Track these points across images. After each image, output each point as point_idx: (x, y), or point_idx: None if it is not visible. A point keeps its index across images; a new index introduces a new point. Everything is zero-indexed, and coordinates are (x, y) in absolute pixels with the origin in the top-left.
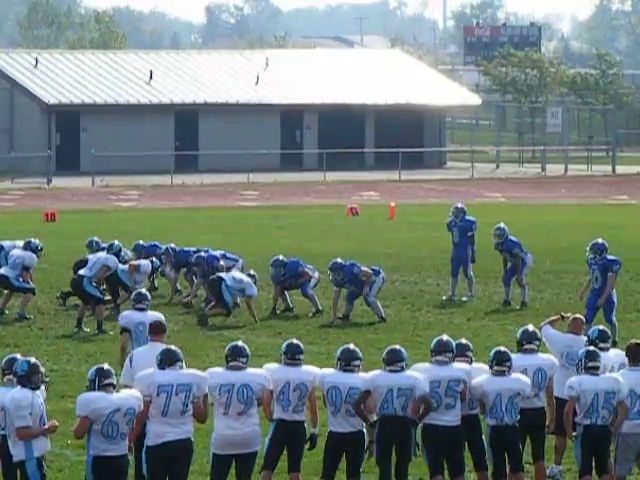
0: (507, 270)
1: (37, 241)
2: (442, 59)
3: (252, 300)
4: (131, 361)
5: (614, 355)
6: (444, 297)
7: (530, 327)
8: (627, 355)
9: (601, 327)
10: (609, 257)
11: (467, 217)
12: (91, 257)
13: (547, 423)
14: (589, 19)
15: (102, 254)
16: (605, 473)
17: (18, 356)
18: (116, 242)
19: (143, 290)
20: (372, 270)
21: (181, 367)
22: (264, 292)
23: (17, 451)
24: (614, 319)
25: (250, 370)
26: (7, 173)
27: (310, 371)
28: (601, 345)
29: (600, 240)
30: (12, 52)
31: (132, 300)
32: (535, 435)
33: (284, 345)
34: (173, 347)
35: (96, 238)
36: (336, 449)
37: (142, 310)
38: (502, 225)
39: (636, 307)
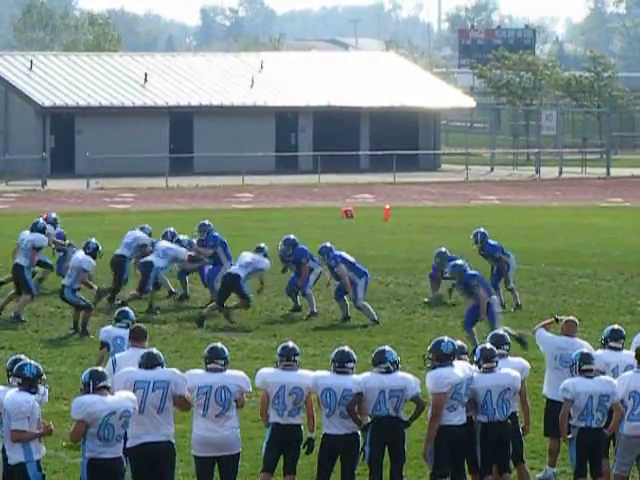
0: (493, 274)
1: (42, 220)
2: (437, 62)
3: (264, 275)
4: (114, 365)
5: (626, 355)
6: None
7: (500, 331)
8: (636, 357)
9: (615, 326)
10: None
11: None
12: (71, 262)
13: (522, 425)
14: (583, 22)
15: (77, 255)
16: (600, 476)
17: (22, 357)
18: (93, 240)
19: (126, 308)
20: (358, 271)
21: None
22: (262, 294)
23: (14, 454)
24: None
25: (229, 372)
26: (2, 175)
27: (306, 375)
28: (612, 344)
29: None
30: (7, 54)
31: (114, 318)
32: (512, 439)
33: (279, 348)
34: (155, 350)
35: (93, 240)
36: (331, 451)
37: (123, 328)
38: (481, 230)
39: (630, 310)
